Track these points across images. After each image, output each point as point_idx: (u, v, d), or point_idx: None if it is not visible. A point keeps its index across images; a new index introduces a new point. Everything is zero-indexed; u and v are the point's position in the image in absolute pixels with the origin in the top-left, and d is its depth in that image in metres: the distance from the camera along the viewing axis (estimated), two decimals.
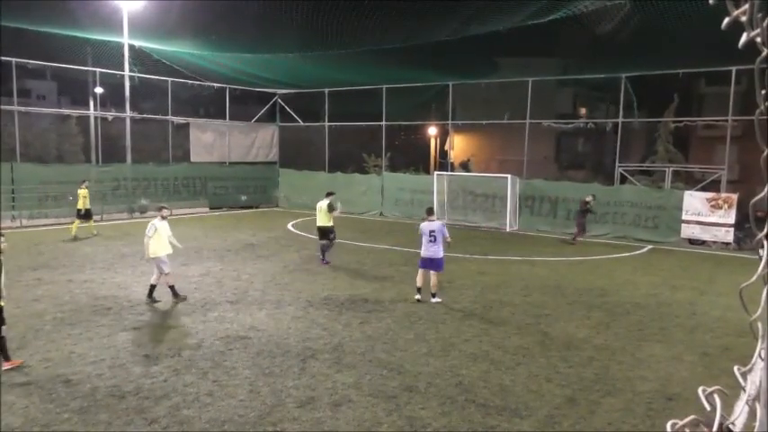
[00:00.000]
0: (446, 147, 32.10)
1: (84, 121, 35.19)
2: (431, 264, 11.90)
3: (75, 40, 23.90)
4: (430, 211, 12.51)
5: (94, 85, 31.97)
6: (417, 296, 11.96)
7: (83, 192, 19.86)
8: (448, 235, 12.06)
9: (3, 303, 7.89)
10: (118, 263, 15.43)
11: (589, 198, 20.66)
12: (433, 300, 11.84)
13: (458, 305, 11.78)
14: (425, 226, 12.05)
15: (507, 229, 23.20)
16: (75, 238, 19.23)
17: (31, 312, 10.65)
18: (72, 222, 20.03)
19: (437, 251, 11.81)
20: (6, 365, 7.91)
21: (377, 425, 6.53)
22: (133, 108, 27.23)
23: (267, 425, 6.49)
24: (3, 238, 8.17)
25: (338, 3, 19.21)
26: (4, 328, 7.91)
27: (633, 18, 18.03)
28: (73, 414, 6.67)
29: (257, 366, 8.25)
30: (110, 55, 25.79)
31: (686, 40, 19.25)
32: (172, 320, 10.41)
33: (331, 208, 15.87)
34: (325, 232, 15.96)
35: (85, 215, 19.99)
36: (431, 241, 11.82)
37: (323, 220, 15.94)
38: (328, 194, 16.26)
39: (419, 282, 12.06)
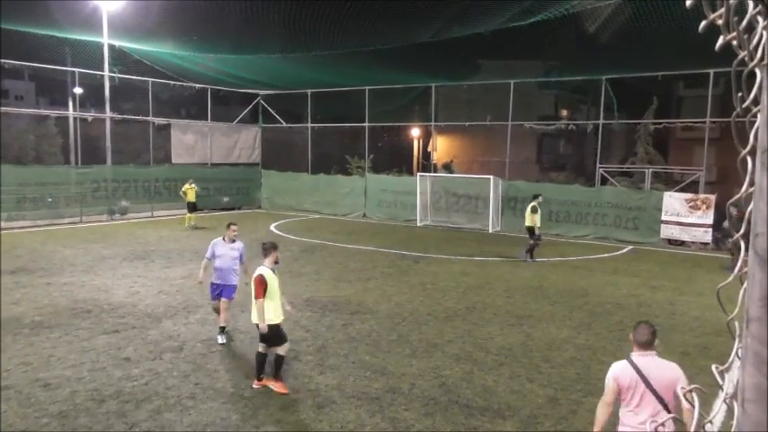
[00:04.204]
0: (429, 148, 32.16)
1: (62, 121, 34.72)
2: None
3: (53, 39, 23.58)
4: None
5: (73, 86, 31.56)
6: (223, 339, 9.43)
7: (188, 187, 23.14)
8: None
9: (277, 321, 7.53)
10: (98, 265, 15.24)
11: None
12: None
13: (441, 306, 11.80)
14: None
15: (490, 230, 23.31)
16: (195, 227, 22.49)
17: (9, 316, 10.48)
18: (186, 216, 23.29)
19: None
20: (256, 384, 7.56)
21: (360, 426, 6.52)
22: (113, 109, 26.90)
23: (250, 427, 6.46)
24: (279, 248, 7.80)
25: (320, 4, 19.16)
26: (282, 346, 7.58)
27: (615, 20, 18.21)
28: (52, 419, 6.58)
29: (240, 369, 8.21)
30: (89, 55, 25.46)
31: (666, 42, 19.49)
32: (153, 323, 10.30)
33: (534, 210, 16.92)
34: (529, 231, 17.13)
35: (192, 208, 23.10)
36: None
37: (527, 220, 17.23)
38: (535, 197, 17.53)
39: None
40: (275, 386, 7.48)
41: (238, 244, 9.70)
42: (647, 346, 4.52)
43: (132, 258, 16.17)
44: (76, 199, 24.25)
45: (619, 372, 4.53)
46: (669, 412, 4.23)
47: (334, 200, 28.54)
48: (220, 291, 9.49)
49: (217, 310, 9.58)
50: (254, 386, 7.56)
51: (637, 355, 4.52)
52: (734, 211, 18.35)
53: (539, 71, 31.38)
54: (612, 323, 10.89)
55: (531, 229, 17.01)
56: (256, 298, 7.41)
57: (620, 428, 4.57)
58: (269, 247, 7.76)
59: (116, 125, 27.88)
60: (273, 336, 7.56)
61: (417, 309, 11.57)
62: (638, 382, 4.38)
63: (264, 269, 7.54)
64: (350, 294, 12.57)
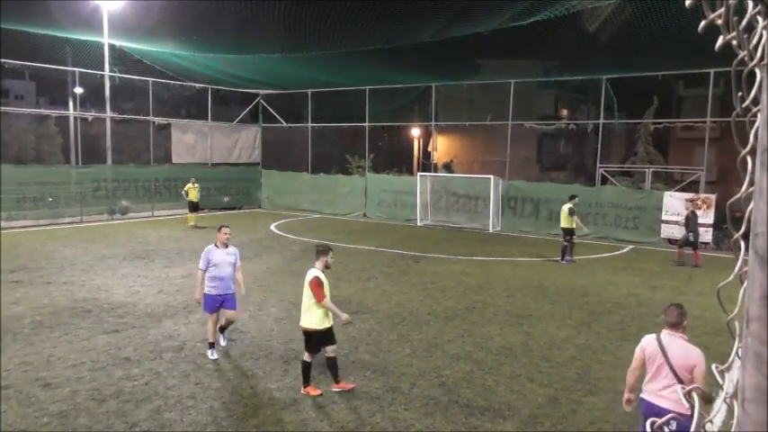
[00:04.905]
0: (429, 148, 32.15)
1: (63, 121, 34.76)
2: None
3: (54, 39, 23.58)
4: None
5: (74, 85, 31.53)
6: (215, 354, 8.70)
7: (191, 187, 23.52)
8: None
9: (329, 325, 7.37)
10: (98, 265, 15.24)
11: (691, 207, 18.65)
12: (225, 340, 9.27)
13: (441, 306, 11.80)
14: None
15: (490, 230, 23.31)
16: (196, 227, 22.67)
17: (9, 315, 10.48)
18: (187, 215, 23.67)
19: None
20: (335, 387, 7.52)
21: (360, 426, 6.52)
22: (113, 108, 26.91)
23: (250, 427, 6.46)
24: (332, 253, 7.58)
25: (320, 4, 19.15)
26: (330, 348, 7.43)
27: (615, 19, 18.21)
28: (52, 418, 6.58)
29: (240, 368, 8.21)
30: (89, 54, 25.48)
31: (666, 42, 19.48)
32: (153, 323, 10.31)
33: (572, 212, 16.71)
34: (565, 233, 16.93)
35: (193, 207, 23.45)
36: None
37: (564, 222, 16.94)
38: (571, 198, 17.33)
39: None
40: (310, 391, 7.39)
41: (233, 249, 8.94)
42: (674, 326, 5.13)
43: (132, 258, 16.17)
44: (77, 199, 24.26)
45: (646, 343, 5.22)
46: None
47: (334, 199, 28.54)
48: (221, 302, 8.68)
49: (214, 324, 8.67)
50: (333, 389, 7.44)
51: (665, 333, 5.16)
52: (689, 206, 18.90)
53: (539, 71, 31.37)
54: (612, 323, 10.89)
55: (569, 231, 16.77)
56: (319, 300, 7.20)
57: (641, 395, 5.18)
58: (321, 251, 7.52)
59: (116, 125, 27.90)
60: (331, 335, 7.48)
61: (417, 308, 11.57)
62: (659, 355, 5.02)
63: (317, 271, 7.37)
64: (350, 294, 12.57)
